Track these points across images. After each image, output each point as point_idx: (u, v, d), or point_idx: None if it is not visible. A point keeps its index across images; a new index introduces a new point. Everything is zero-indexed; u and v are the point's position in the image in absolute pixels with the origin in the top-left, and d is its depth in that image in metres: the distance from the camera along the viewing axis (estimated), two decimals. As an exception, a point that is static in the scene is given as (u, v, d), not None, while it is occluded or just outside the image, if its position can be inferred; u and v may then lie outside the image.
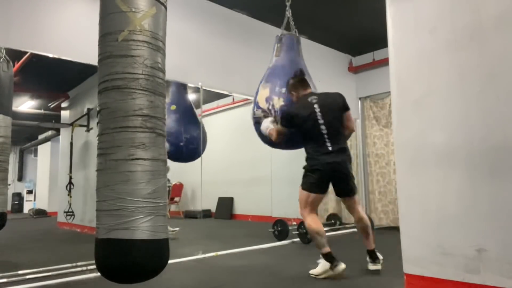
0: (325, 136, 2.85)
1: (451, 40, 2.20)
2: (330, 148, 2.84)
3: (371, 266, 2.91)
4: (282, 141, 3.12)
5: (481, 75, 2.07)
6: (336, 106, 2.94)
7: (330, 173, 2.88)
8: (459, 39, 2.16)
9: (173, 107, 3.61)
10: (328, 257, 2.77)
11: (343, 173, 2.89)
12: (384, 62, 5.34)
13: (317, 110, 2.89)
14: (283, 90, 3.25)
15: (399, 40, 2.46)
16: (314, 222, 2.89)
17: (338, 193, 3.06)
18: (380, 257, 2.95)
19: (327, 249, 2.79)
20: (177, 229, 4.49)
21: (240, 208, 8.56)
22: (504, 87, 1.98)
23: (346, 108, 2.99)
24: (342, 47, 6.18)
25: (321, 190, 2.97)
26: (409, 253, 2.27)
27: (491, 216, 1.98)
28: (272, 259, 3.76)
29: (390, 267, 3.11)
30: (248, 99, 7.71)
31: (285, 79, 3.26)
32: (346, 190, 2.99)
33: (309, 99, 2.97)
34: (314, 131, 2.88)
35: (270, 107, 3.30)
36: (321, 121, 2.86)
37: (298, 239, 4.72)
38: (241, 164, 8.12)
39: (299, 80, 3.10)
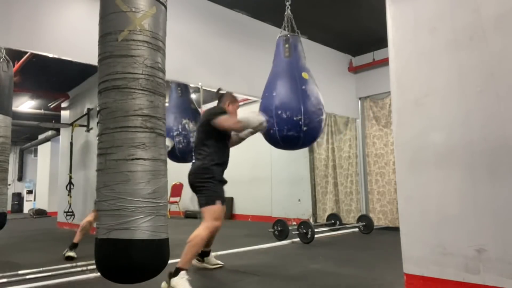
0: (193, 149, 3.08)
1: (451, 40, 2.20)
2: (193, 160, 3.01)
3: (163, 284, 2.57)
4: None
5: (481, 75, 2.07)
6: (200, 123, 3.08)
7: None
8: (459, 39, 2.16)
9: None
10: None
11: (190, 183, 2.95)
12: (384, 62, 5.35)
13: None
14: None
15: (399, 40, 2.46)
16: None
17: None
18: (171, 284, 2.52)
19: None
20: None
21: (240, 208, 8.57)
22: (504, 87, 1.98)
23: (210, 118, 2.91)
24: (342, 47, 6.18)
25: None
26: (409, 253, 2.27)
27: (491, 216, 1.98)
28: (272, 259, 3.76)
29: (390, 267, 3.11)
30: (248, 99, 7.71)
31: None
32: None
33: None
34: None
35: None
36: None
37: (298, 239, 4.72)
38: (241, 164, 8.12)
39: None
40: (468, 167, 2.08)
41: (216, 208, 2.77)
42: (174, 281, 2.52)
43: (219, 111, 2.99)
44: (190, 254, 2.64)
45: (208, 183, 2.82)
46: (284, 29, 3.67)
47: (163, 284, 2.55)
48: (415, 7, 2.37)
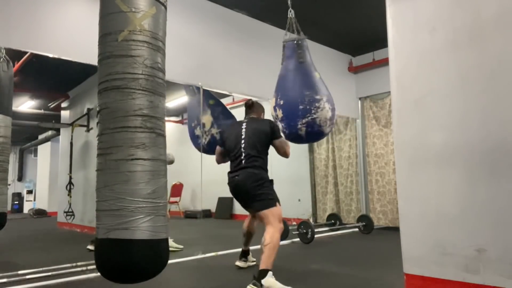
0: (242, 154, 2.95)
1: (451, 40, 2.20)
2: (242, 165, 2.92)
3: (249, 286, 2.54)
4: (223, 161, 3.25)
5: (481, 75, 2.07)
6: (262, 132, 3.01)
7: (232, 188, 2.99)
8: (459, 39, 2.16)
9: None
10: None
11: (242, 189, 2.91)
12: (384, 62, 5.35)
13: (243, 130, 3.03)
14: (282, 102, 3.40)
15: (399, 40, 2.46)
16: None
17: (245, 207, 3.09)
18: (265, 284, 2.53)
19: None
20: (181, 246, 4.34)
21: (240, 208, 8.50)
22: (504, 87, 1.98)
23: (275, 135, 3.03)
24: (342, 47, 6.18)
25: (241, 204, 3.08)
26: (409, 253, 2.27)
27: (491, 216, 1.98)
28: (272, 259, 3.75)
29: (390, 267, 3.11)
30: (248, 99, 7.70)
31: (283, 90, 3.43)
32: (249, 205, 2.98)
33: (243, 121, 3.17)
34: (233, 149, 3.02)
35: (275, 117, 3.46)
36: (242, 141, 2.99)
37: (298, 239, 4.72)
38: (241, 164, 8.10)
39: (247, 105, 3.31)
40: (468, 167, 2.08)
41: (279, 210, 2.88)
42: (268, 281, 2.53)
43: (278, 128, 3.15)
44: (274, 255, 2.68)
45: (267, 188, 2.91)
46: (288, 31, 3.66)
47: (250, 286, 2.53)
48: (415, 7, 2.37)
